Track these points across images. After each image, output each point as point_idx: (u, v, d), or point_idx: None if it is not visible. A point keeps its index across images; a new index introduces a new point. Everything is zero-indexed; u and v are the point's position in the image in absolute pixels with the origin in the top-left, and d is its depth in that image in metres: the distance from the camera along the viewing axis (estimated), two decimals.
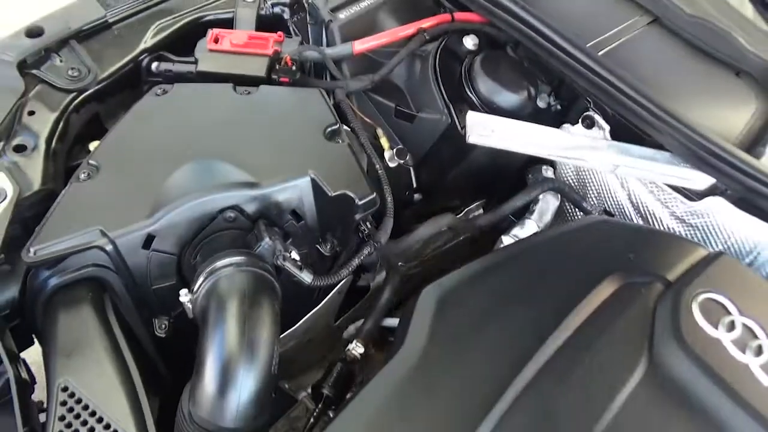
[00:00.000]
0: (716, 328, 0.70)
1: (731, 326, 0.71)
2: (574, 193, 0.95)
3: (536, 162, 1.00)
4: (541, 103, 0.97)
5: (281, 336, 0.82)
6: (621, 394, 0.65)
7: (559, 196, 0.96)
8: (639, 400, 0.65)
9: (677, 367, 0.68)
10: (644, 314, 0.72)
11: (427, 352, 0.68)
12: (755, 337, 0.71)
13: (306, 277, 0.72)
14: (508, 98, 0.90)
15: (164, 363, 0.84)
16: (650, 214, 0.95)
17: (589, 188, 1.00)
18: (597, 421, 0.63)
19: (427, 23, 0.96)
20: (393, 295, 0.81)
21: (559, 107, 0.99)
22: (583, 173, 1.01)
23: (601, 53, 0.96)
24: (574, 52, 0.91)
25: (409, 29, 0.95)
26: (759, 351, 0.70)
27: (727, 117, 0.92)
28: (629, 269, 0.76)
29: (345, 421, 0.63)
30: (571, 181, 1.01)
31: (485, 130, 0.85)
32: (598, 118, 0.95)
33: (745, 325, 0.71)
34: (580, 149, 0.88)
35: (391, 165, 0.91)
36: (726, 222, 0.89)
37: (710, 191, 0.89)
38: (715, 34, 0.99)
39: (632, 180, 0.95)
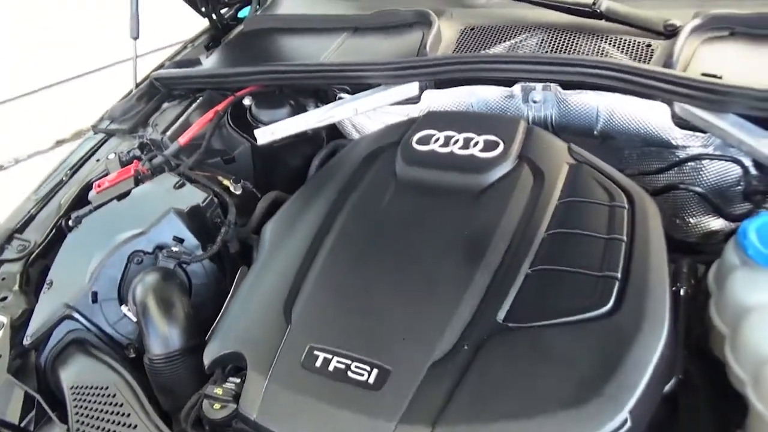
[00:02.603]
0: (428, 145, 1.11)
1: (436, 140, 1.12)
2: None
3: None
4: (310, 108, 1.45)
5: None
6: (384, 202, 1.04)
7: None
8: (395, 201, 1.04)
9: (409, 174, 1.08)
10: (390, 160, 1.12)
11: (271, 247, 1.07)
12: (453, 137, 1.11)
13: (186, 258, 1.12)
14: (278, 114, 1.38)
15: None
16: None
17: None
18: (373, 218, 1.01)
19: (220, 106, 1.46)
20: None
21: (319, 105, 1.47)
22: (363, 133, 1.46)
23: (325, 60, 1.46)
24: (312, 68, 1.41)
25: (210, 114, 1.44)
26: (456, 142, 1.10)
27: (407, 49, 1.40)
28: (375, 150, 1.18)
29: (236, 291, 1.01)
30: None
31: (267, 133, 1.31)
32: (343, 94, 1.42)
33: (446, 136, 1.12)
34: (332, 111, 1.34)
35: (238, 192, 1.35)
36: (440, 103, 1.33)
37: (421, 91, 1.33)
38: (388, 15, 1.52)
39: (387, 117, 1.40)
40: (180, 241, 1.19)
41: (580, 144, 1.32)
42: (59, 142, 4.19)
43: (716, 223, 1.20)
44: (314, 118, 1.33)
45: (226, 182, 1.36)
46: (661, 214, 0.97)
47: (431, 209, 1.00)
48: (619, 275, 0.84)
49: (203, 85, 1.56)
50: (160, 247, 1.17)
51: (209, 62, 1.64)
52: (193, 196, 1.21)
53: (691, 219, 1.22)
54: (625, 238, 0.89)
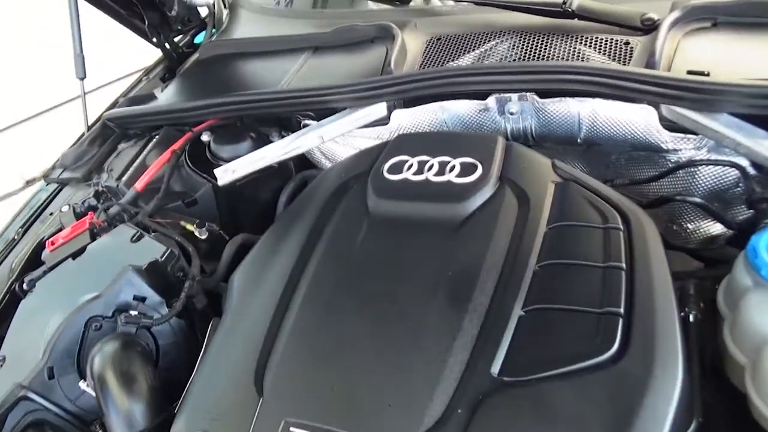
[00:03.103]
0: (400, 173, 1.02)
1: (409, 167, 1.02)
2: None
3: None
4: (276, 140, 1.35)
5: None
6: (357, 243, 0.94)
7: None
8: (369, 241, 0.95)
9: (382, 208, 0.98)
10: (361, 194, 1.02)
11: (239, 302, 0.97)
12: (427, 162, 1.02)
13: (147, 321, 1.02)
14: (239, 149, 1.28)
15: None
16: None
17: None
18: (347, 263, 0.92)
19: (176, 145, 1.36)
20: None
21: (283, 133, 1.37)
22: (333, 160, 1.37)
23: (285, 86, 1.37)
24: (272, 97, 1.31)
25: (167, 154, 1.34)
26: (430, 167, 1.01)
27: (371, 67, 1.31)
28: (345, 182, 1.08)
29: (205, 353, 0.91)
30: None
31: (228, 172, 1.21)
32: (308, 121, 1.33)
33: (419, 161, 1.03)
34: (296, 141, 1.24)
35: (203, 237, 1.25)
36: (411, 122, 1.24)
37: (389, 111, 1.24)
38: (348, 31, 1.43)
39: (357, 141, 1.31)
40: (141, 300, 1.09)
41: (564, 152, 1.24)
42: (29, 182, 4.05)
43: (716, 228, 1.12)
44: (277, 151, 1.24)
45: (189, 227, 1.26)
46: (657, 221, 0.89)
47: (409, 247, 0.91)
48: (622, 310, 0.75)
49: (159, 122, 1.46)
50: (120, 310, 1.07)
51: (164, 96, 1.54)
52: (152, 249, 1.11)
53: (689, 225, 1.14)
54: (624, 265, 0.80)
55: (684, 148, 1.06)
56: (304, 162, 1.42)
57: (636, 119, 1.06)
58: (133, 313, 1.03)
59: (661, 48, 1.05)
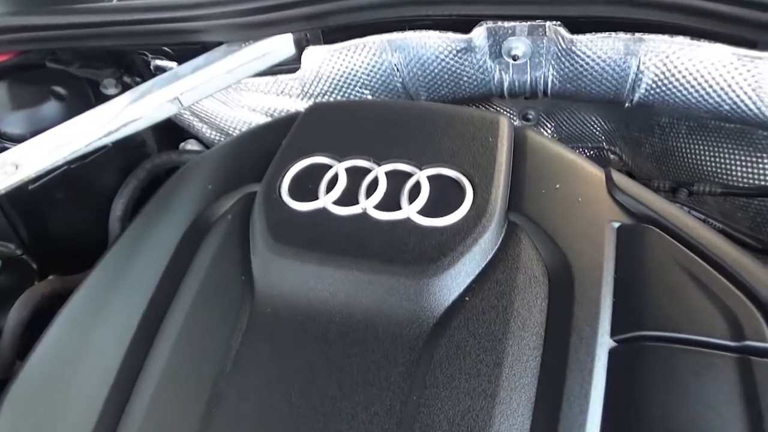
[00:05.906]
0: (315, 197, 0.52)
1: (332, 183, 0.53)
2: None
3: None
4: (111, 90, 0.80)
5: None
6: (229, 357, 0.48)
7: None
8: (250, 355, 0.48)
9: (277, 281, 0.50)
10: (239, 240, 0.54)
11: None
12: (367, 174, 0.53)
13: None
14: (36, 117, 0.73)
15: None
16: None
17: None
18: (204, 397, 0.46)
19: None
20: None
21: (138, 80, 0.82)
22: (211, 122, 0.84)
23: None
24: (98, 20, 0.75)
25: None
26: (372, 186, 0.52)
27: None
28: (211, 207, 0.58)
29: None
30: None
31: (7, 172, 0.67)
32: (161, 62, 0.78)
33: (350, 170, 0.54)
34: (132, 108, 0.70)
35: None
36: (335, 69, 0.72)
37: (300, 49, 0.71)
38: None
39: (247, 97, 0.78)
40: None
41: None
42: None
43: None
44: (99, 126, 0.69)
45: None
46: None
47: (332, 380, 0.44)
48: None
49: None
50: None
51: None
52: None
53: None
54: None
55: None
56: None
57: (746, 79, 0.58)
58: None
59: None
